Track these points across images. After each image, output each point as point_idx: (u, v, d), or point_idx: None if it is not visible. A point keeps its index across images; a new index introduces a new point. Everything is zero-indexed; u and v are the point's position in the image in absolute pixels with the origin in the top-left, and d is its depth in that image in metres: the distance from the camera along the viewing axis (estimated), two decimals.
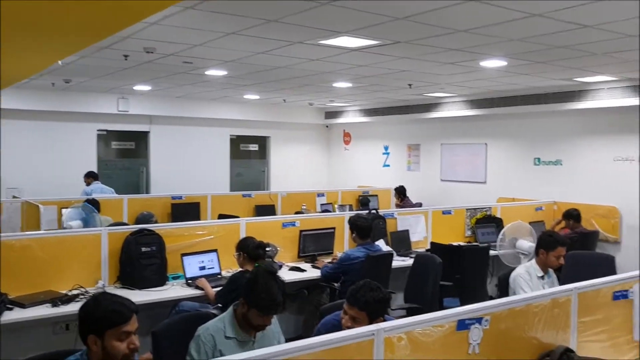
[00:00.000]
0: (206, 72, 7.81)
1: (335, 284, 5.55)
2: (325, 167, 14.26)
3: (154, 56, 6.51)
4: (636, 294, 3.45)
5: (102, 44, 5.74)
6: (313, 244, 6.42)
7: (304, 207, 9.35)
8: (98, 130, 11.34)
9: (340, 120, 13.34)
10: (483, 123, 10.38)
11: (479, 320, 2.59)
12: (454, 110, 10.43)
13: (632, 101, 7.83)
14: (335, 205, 9.90)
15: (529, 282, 4.54)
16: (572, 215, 7.89)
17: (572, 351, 2.93)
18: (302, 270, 5.90)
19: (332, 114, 13.50)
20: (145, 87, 9.73)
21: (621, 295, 3.39)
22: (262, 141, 13.69)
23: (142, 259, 5.02)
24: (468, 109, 10.16)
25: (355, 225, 5.79)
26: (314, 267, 6.04)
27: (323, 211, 9.24)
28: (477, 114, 10.06)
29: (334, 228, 6.60)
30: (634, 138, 8.17)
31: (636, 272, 3.58)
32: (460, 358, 2.53)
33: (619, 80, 7.80)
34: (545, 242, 4.67)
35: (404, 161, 12.22)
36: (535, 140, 9.62)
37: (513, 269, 4.78)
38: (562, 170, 9.20)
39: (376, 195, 10.74)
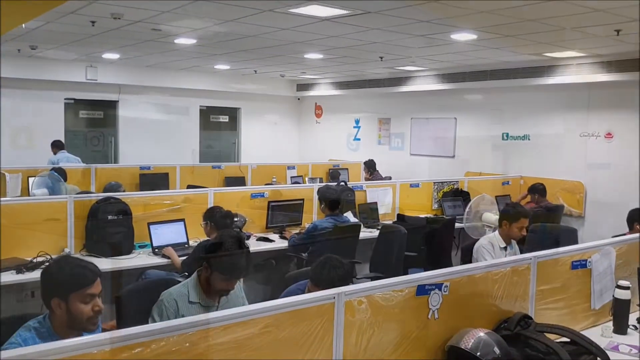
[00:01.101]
0: (175, 41, 7.68)
1: (303, 254, 5.58)
2: (296, 140, 14.22)
3: (122, 23, 6.37)
4: (595, 264, 3.55)
5: (67, 8, 5.59)
6: (281, 215, 6.42)
7: (274, 180, 9.35)
8: (65, 99, 11.11)
9: (312, 93, 13.28)
10: (453, 97, 10.43)
11: (438, 286, 2.64)
12: (424, 84, 10.47)
13: (600, 77, 7.95)
14: (306, 178, 9.90)
15: (492, 252, 4.64)
16: (537, 190, 8.03)
17: (530, 318, 3.01)
18: (270, 241, 5.92)
19: (303, 87, 13.43)
20: (114, 56, 9.54)
21: (580, 264, 3.48)
22: (233, 113, 13.58)
23: (108, 227, 4.98)
24: (438, 83, 10.21)
25: (324, 196, 5.82)
26: (281, 237, 6.06)
27: (293, 183, 9.24)
28: (447, 88, 10.11)
29: (302, 199, 6.61)
30: (601, 114, 8.32)
31: (595, 243, 3.69)
32: (420, 322, 2.59)
33: (588, 57, 7.90)
34: (508, 213, 4.76)
35: (374, 135, 12.25)
36: (504, 116, 9.72)
37: (477, 240, 4.88)
38: (530, 145, 9.33)
39: (346, 169, 10.77)
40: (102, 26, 6.57)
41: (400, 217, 6.95)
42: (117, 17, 6.00)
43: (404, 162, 11.34)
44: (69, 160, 8.60)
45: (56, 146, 8.91)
